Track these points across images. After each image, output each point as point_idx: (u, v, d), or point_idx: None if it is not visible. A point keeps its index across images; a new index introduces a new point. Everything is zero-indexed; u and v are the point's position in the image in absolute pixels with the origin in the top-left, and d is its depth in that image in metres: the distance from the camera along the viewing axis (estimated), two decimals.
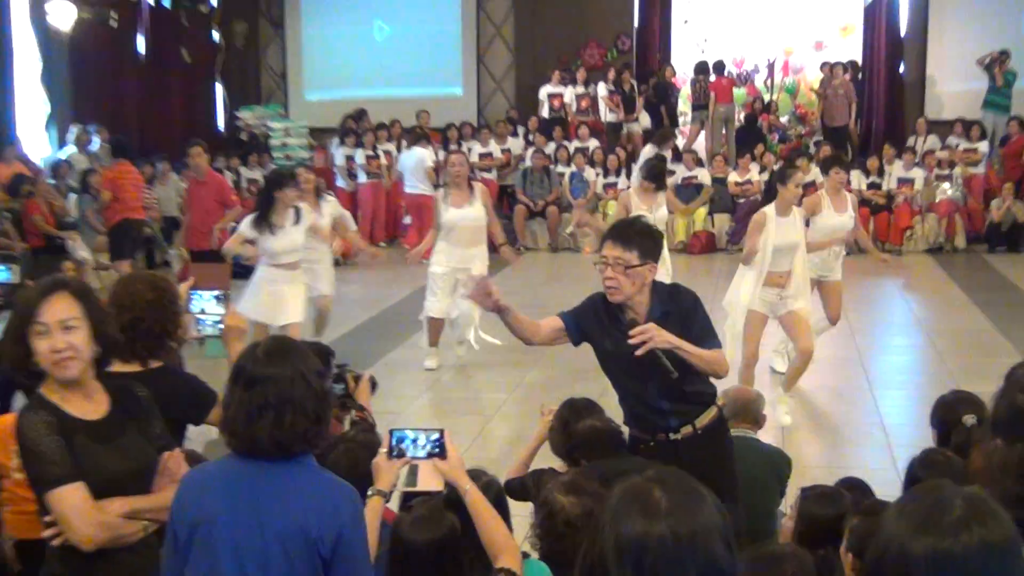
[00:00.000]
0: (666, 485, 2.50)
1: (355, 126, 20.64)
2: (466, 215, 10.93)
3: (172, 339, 4.85)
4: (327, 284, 11.30)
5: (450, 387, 10.87)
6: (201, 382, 4.88)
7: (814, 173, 18.10)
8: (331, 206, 11.54)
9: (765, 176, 18.79)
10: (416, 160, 18.77)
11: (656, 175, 11.13)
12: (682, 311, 5.32)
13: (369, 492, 4.07)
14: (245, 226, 10.17)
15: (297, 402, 3.42)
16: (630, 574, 2.40)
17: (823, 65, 22.56)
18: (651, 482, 2.51)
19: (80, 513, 3.73)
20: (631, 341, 5.03)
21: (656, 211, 10.84)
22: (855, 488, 4.81)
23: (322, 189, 11.86)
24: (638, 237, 5.29)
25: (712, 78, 22.02)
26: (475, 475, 4.22)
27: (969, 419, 4.92)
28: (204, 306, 5.30)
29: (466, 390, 10.87)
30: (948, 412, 5.10)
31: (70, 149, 17.96)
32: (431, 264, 11.18)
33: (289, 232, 10.06)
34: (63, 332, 3.78)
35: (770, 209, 9.38)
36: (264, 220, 10.02)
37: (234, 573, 3.42)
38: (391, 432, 4.10)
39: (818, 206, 10.27)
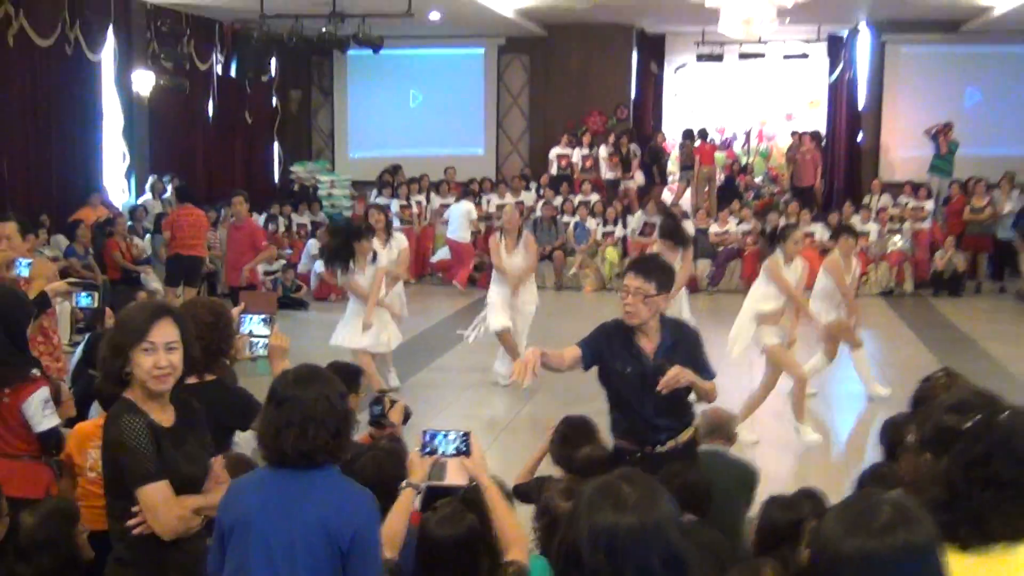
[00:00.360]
0: (632, 482, 2.55)
1: (391, 179, 20.69)
2: (514, 261, 11.13)
3: (226, 357, 4.93)
4: (399, 306, 11.37)
5: (466, 406, 10.80)
6: (248, 394, 4.91)
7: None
8: (398, 241, 11.60)
9: (742, 227, 18.85)
10: (463, 211, 18.83)
11: (670, 234, 11.11)
12: (688, 343, 5.52)
13: (403, 484, 4.09)
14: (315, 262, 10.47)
15: (318, 420, 3.45)
16: (602, 558, 2.45)
17: (793, 133, 22.63)
18: (619, 480, 2.57)
19: (168, 506, 3.79)
20: (660, 388, 5.17)
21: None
22: (812, 497, 4.76)
23: (391, 225, 11.90)
24: (656, 271, 5.47)
25: (697, 143, 22.07)
26: None
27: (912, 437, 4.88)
28: (253, 328, 5.30)
29: (480, 409, 10.79)
30: (894, 432, 5.04)
31: (146, 196, 18.03)
32: (489, 295, 11.35)
33: (368, 272, 10.30)
34: (166, 352, 3.85)
35: (778, 256, 9.50)
36: (345, 264, 10.24)
37: (263, 564, 3.44)
38: (424, 432, 4.11)
39: (838, 268, 10.45)
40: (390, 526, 3.93)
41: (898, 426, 5.07)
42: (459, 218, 18.74)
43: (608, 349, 5.47)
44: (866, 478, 4.58)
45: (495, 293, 11.23)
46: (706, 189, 21.75)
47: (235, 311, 5.30)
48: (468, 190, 20.08)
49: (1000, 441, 2.80)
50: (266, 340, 5.18)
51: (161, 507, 3.77)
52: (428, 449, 4.06)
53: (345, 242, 10.34)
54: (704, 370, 5.47)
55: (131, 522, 3.81)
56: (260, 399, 4.21)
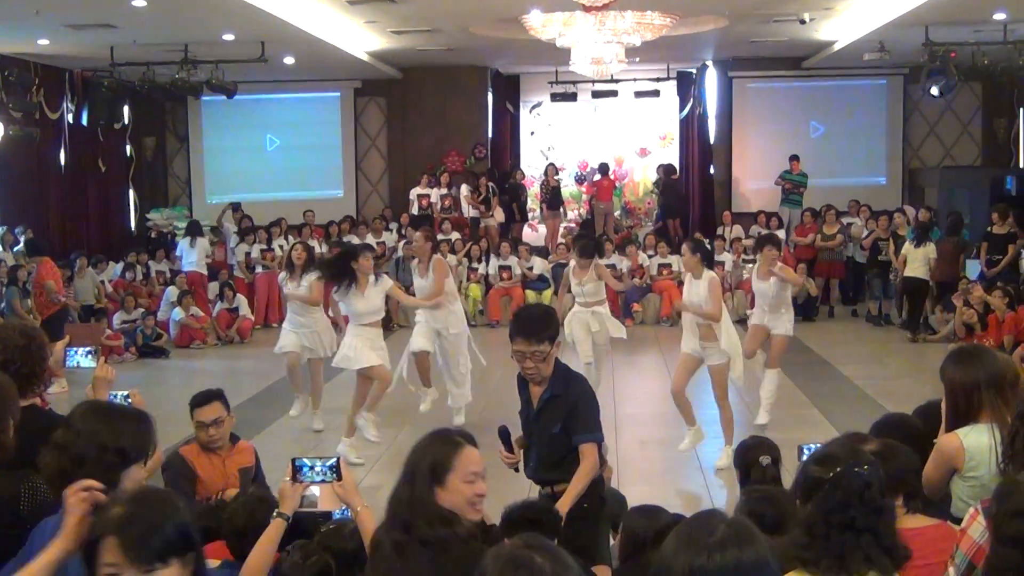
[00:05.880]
0: (540, 551, 2.48)
1: (251, 223, 20.62)
2: (423, 286, 11.18)
3: (39, 381, 4.74)
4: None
5: (330, 444, 10.61)
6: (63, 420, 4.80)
7: (642, 258, 18.80)
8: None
9: (603, 261, 19.02)
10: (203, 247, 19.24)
11: (589, 252, 11.37)
12: (571, 399, 5.27)
13: (273, 514, 4.04)
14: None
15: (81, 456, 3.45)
16: None
17: (659, 167, 23.16)
18: (528, 549, 2.49)
19: None
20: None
21: (585, 284, 11.25)
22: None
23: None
24: (540, 327, 5.23)
25: (597, 178, 22.78)
26: (346, 522, 4.27)
27: (764, 459, 5.04)
28: (80, 361, 5.20)
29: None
30: (747, 454, 5.20)
31: None
32: (416, 318, 11.52)
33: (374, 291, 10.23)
34: None
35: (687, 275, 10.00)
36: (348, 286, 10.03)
37: None
38: (293, 460, 4.06)
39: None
40: (256, 557, 3.93)
41: (749, 449, 5.24)
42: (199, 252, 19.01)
43: (521, 392, 5.49)
44: (746, 504, 4.64)
45: (420, 319, 11.31)
46: (603, 223, 22.09)
47: (59, 345, 5.21)
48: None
49: (857, 491, 3.05)
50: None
51: None
52: (298, 478, 4.04)
53: (345, 263, 10.12)
54: (582, 431, 5.24)
55: None
56: None
